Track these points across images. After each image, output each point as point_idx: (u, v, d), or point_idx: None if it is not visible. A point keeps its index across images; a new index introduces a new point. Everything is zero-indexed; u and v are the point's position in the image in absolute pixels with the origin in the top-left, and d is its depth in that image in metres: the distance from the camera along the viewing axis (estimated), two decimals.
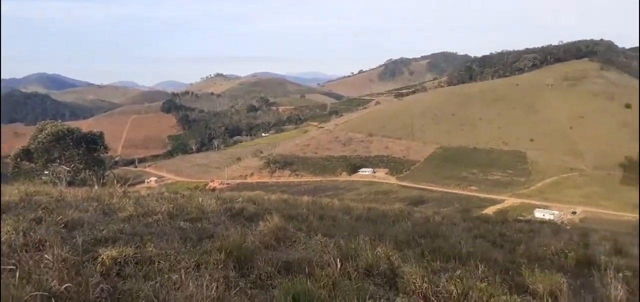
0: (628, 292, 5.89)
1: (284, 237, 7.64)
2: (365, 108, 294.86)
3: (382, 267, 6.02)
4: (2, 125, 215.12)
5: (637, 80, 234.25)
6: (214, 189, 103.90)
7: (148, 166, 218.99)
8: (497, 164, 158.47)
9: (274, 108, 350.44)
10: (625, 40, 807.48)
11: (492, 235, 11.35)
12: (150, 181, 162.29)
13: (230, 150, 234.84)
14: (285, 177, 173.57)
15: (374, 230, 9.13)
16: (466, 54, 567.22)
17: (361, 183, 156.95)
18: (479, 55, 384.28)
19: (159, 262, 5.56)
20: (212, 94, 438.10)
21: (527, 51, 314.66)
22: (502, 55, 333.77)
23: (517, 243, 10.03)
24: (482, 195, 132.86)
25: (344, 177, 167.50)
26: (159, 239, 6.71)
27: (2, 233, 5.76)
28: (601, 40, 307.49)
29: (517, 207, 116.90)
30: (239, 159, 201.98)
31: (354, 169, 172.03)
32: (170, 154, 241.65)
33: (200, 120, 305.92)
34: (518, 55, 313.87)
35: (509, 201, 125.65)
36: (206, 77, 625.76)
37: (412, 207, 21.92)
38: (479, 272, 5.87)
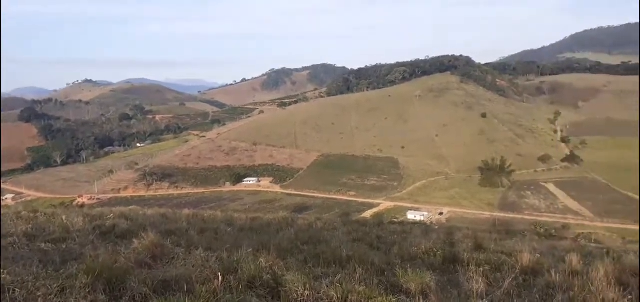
0: (487, 284, 6.54)
1: (162, 254, 7.24)
2: (249, 117, 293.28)
3: (265, 278, 5.98)
4: None
5: (491, 93, 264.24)
6: (82, 206, 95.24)
7: (3, 182, 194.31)
8: (373, 170, 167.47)
9: (151, 117, 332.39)
10: (480, 56, 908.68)
11: (369, 238, 11.88)
12: (6, 198, 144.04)
13: (101, 162, 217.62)
14: (163, 190, 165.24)
15: (257, 240, 9.05)
16: (344, 66, 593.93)
17: (246, 193, 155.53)
18: (356, 67, 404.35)
19: (13, 290, 4.92)
20: (80, 101, 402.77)
21: (398, 65, 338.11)
22: (376, 68, 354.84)
23: (392, 244, 10.60)
24: (360, 200, 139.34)
25: (227, 187, 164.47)
26: (15, 264, 5.95)
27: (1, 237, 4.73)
28: (460, 56, 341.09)
29: (391, 210, 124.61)
30: (111, 171, 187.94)
31: (238, 179, 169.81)
32: (30, 168, 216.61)
33: (65, 130, 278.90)
34: (390, 68, 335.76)
35: (384, 204, 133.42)
36: (73, 83, 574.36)
37: (296, 214, 22.20)
38: (358, 275, 6.09)
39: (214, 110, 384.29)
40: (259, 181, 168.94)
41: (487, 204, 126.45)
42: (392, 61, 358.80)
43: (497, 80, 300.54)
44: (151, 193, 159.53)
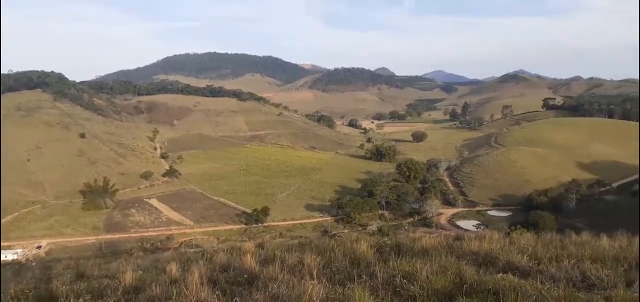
0: None
1: None
2: None
3: None
4: None
5: (89, 112, 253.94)
6: None
7: None
8: None
9: None
10: (74, 74, 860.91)
11: None
12: None
13: None
14: None
15: None
16: None
17: None
18: None
19: None
20: None
21: None
22: None
23: None
24: None
25: None
26: None
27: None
28: (52, 72, 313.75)
29: None
30: None
31: None
32: None
33: None
34: None
35: None
36: None
37: None
38: None
39: None
40: None
41: (92, 228, 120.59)
42: None
43: (95, 99, 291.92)
44: None
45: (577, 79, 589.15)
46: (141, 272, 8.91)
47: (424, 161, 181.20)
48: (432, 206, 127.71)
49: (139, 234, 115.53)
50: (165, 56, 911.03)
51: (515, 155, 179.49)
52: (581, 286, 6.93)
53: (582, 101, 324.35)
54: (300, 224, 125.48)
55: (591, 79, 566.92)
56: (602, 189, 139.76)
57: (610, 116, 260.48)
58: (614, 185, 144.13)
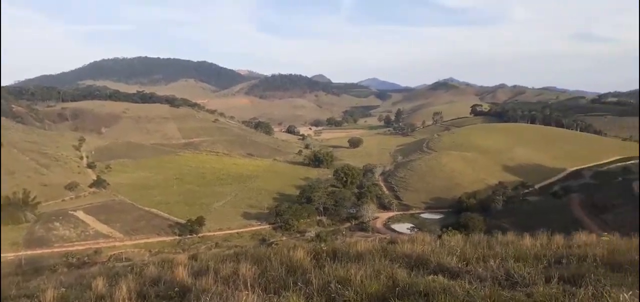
0: None
1: None
2: None
3: None
4: None
5: (7, 120, 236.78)
6: None
7: None
8: None
9: None
10: None
11: None
12: None
13: None
14: None
15: None
16: None
17: None
18: None
19: None
20: None
21: None
22: None
23: None
24: None
25: None
26: None
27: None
28: None
29: None
30: None
31: None
32: None
33: None
34: None
35: None
36: None
37: None
38: None
39: None
40: None
41: (10, 244, 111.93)
42: None
43: (13, 105, 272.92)
44: None
45: (502, 86, 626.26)
46: (64, 289, 8.39)
47: (360, 166, 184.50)
48: (368, 211, 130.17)
49: (63, 249, 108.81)
50: (92, 61, 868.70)
51: (445, 159, 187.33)
52: (505, 284, 7.29)
53: (506, 108, 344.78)
54: (237, 233, 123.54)
55: (515, 86, 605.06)
56: (526, 190, 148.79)
57: (532, 122, 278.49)
58: (536, 186, 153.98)
